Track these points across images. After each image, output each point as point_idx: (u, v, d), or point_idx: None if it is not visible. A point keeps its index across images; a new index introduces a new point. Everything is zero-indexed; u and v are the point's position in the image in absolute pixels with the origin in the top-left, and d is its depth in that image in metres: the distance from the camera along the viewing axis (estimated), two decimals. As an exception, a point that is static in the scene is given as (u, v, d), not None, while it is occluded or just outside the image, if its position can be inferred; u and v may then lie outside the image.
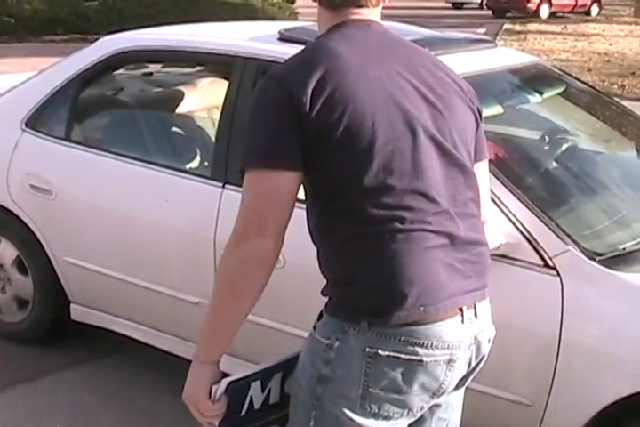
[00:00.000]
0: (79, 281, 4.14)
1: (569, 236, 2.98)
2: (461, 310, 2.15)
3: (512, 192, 3.05)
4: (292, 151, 2.08)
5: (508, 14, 29.27)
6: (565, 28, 24.18)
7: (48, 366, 4.23)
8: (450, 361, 2.15)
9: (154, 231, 3.76)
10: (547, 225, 2.99)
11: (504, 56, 4.14)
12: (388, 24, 4.18)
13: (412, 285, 2.07)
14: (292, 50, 3.55)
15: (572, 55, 17.15)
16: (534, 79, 4.12)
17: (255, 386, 2.31)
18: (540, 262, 2.94)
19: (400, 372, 2.10)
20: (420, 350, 2.09)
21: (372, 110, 2.10)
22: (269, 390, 2.36)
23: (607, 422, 2.88)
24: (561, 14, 30.07)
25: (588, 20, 27.85)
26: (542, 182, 3.48)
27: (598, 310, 2.89)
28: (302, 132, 2.07)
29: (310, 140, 2.08)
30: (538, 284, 2.94)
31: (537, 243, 2.95)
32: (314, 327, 2.23)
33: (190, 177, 3.72)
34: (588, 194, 3.57)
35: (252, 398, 2.32)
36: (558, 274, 2.92)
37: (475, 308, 2.19)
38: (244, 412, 2.31)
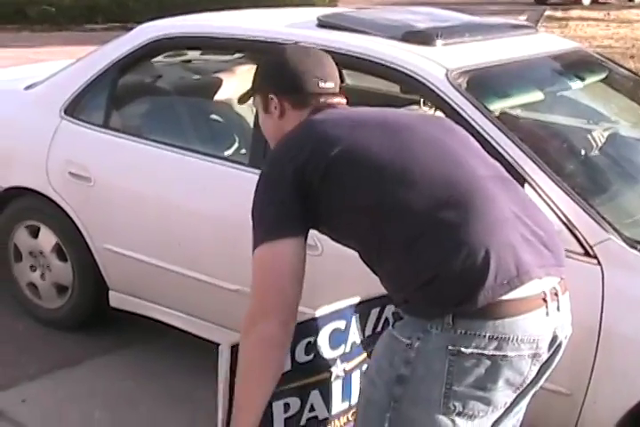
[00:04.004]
0: (118, 268, 4.15)
1: (610, 224, 2.94)
2: (545, 301, 2.14)
3: (553, 180, 3.01)
4: (293, 219, 2.23)
5: (550, 1, 28.99)
6: (608, 14, 23.88)
7: (87, 352, 4.26)
8: (535, 355, 2.14)
9: (192, 218, 3.76)
10: (588, 213, 2.95)
11: (545, 42, 4.10)
12: (428, 10, 4.20)
13: (488, 257, 2.06)
14: (331, 36, 3.57)
15: (615, 42, 16.95)
16: (575, 65, 4.07)
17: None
18: (581, 251, 2.91)
19: (485, 368, 2.09)
20: (505, 344, 2.08)
21: (367, 139, 2.25)
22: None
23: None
24: (603, 0, 29.72)
25: (631, 7, 27.46)
26: (583, 170, 3.44)
27: (639, 298, 2.86)
28: (308, 195, 2.22)
29: (321, 191, 2.22)
30: (578, 272, 2.89)
31: (578, 231, 2.92)
32: (392, 326, 2.22)
33: (228, 164, 3.71)
34: (630, 182, 3.53)
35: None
36: (599, 263, 2.89)
37: (558, 300, 2.18)
38: None
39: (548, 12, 24.80)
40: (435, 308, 2.10)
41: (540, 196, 2.95)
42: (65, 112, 4.22)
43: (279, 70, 2.48)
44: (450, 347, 2.08)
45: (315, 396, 2.53)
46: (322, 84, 2.44)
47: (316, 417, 2.57)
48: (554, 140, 3.60)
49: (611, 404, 2.89)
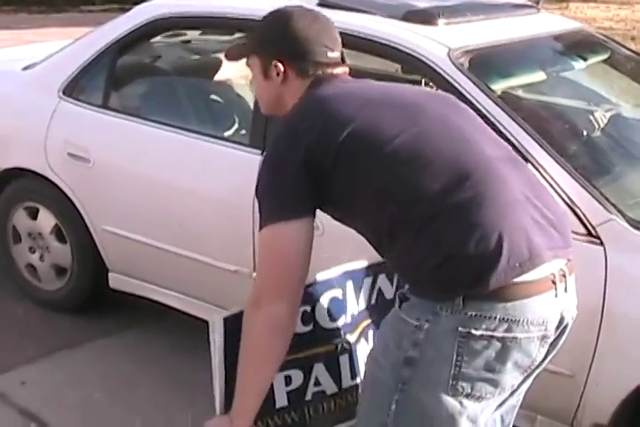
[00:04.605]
0: (117, 249, 4.14)
1: (613, 205, 2.93)
2: (554, 283, 2.12)
3: (556, 160, 2.99)
4: (302, 197, 2.17)
5: (550, -18, 28.85)
6: (608, -5, 23.79)
7: (86, 335, 4.25)
8: (543, 337, 2.13)
9: (192, 199, 3.74)
10: (591, 194, 2.94)
11: (547, 22, 4.08)
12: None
13: (501, 241, 2.04)
14: (332, 15, 3.52)
15: (615, 24, 16.86)
16: (578, 45, 4.04)
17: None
18: (584, 231, 2.89)
19: (494, 350, 2.07)
20: (515, 326, 2.06)
21: (377, 118, 2.20)
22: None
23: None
24: (603, -18, 29.58)
25: (631, -11, 27.36)
26: (586, 151, 3.42)
27: (643, 280, 2.84)
28: (317, 175, 2.16)
29: (332, 172, 2.15)
30: (581, 253, 2.86)
31: (581, 212, 2.90)
32: (399, 307, 2.19)
33: (229, 144, 3.69)
34: (633, 163, 3.51)
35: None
36: (602, 243, 2.87)
37: (566, 282, 2.17)
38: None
39: (548, -6, 24.65)
40: (445, 290, 2.08)
41: (543, 176, 2.92)
42: (63, 92, 4.19)
43: (288, 35, 2.35)
44: (460, 329, 2.06)
45: (319, 369, 2.50)
46: (329, 54, 2.36)
47: (323, 392, 2.54)
48: (556, 121, 3.57)
49: (613, 385, 2.88)
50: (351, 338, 2.58)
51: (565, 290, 2.17)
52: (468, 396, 2.10)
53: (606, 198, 2.94)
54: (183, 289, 3.95)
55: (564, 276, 2.17)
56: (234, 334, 2.27)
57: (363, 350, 2.59)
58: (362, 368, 2.57)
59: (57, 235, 4.32)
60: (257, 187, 2.24)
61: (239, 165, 3.58)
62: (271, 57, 2.36)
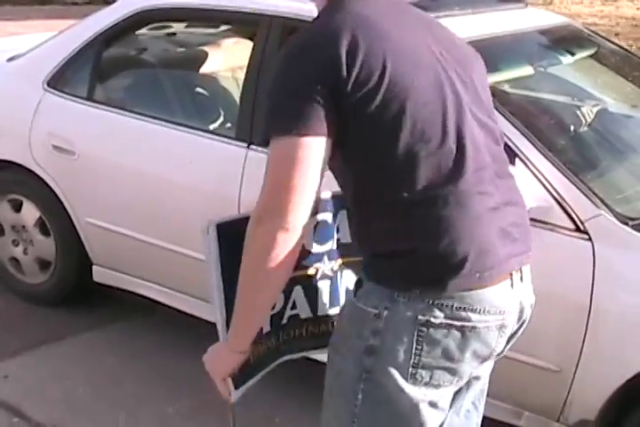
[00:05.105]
0: (101, 242, 4.11)
1: (601, 200, 2.92)
2: (511, 274, 2.11)
3: (544, 155, 2.98)
4: (322, 117, 1.97)
5: (535, -22, 28.86)
6: (592, -8, 23.85)
7: (70, 328, 4.22)
8: (502, 327, 2.11)
9: (178, 192, 3.71)
10: (579, 189, 2.93)
11: (534, 16, 4.08)
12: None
13: (468, 251, 2.01)
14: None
15: (600, 19, 16.91)
16: (565, 40, 4.05)
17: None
18: (572, 226, 2.89)
19: (453, 339, 2.06)
20: (473, 315, 2.04)
21: (408, 70, 2.02)
22: None
23: (636, 391, 2.84)
24: (588, -22, 29.62)
25: (615, -15, 27.42)
26: (574, 146, 3.41)
27: (630, 275, 2.84)
28: (337, 99, 1.97)
29: (348, 106, 1.98)
30: (569, 248, 2.88)
31: (569, 206, 2.90)
32: (354, 295, 2.16)
33: (215, 137, 3.66)
34: (621, 158, 3.52)
35: None
36: (590, 239, 2.86)
37: (521, 271, 2.15)
38: None
39: (532, -11, 24.66)
40: (402, 281, 2.06)
41: (531, 171, 2.93)
42: (48, 84, 4.16)
43: None
44: (419, 317, 2.04)
45: (297, 292, 2.42)
46: None
47: (297, 315, 2.47)
48: (544, 116, 3.57)
49: (600, 382, 2.88)
50: (335, 266, 2.49)
51: (521, 279, 2.16)
52: (426, 384, 2.09)
53: (594, 193, 2.94)
54: (168, 283, 3.92)
55: (520, 266, 2.16)
56: (230, 244, 2.14)
57: (347, 281, 2.50)
58: (342, 299, 2.49)
59: (41, 228, 4.29)
60: (273, 90, 2.05)
61: (225, 159, 3.56)
62: None
